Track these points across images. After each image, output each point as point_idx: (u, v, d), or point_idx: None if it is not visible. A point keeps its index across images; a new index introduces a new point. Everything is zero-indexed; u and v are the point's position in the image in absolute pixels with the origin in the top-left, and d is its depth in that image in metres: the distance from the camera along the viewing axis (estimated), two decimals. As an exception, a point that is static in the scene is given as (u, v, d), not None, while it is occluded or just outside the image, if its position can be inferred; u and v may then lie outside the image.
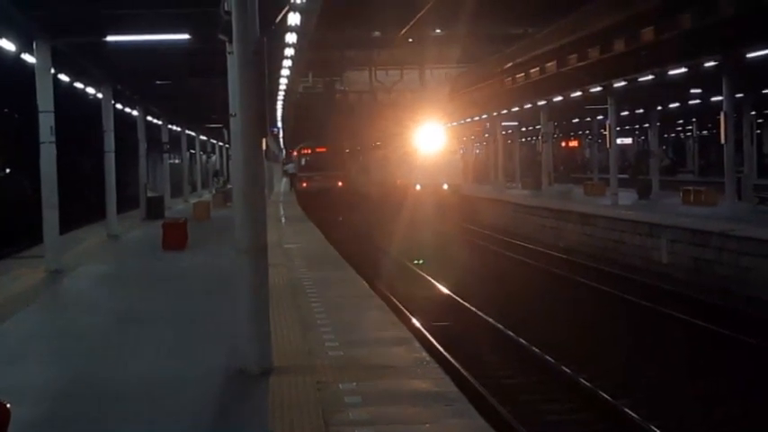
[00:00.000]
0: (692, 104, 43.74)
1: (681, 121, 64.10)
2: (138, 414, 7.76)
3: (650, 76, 27.70)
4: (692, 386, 11.68)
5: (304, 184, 49.62)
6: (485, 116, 45.89)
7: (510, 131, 54.35)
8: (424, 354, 9.59)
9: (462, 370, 11.77)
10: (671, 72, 26.64)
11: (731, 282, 18.53)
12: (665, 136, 69.63)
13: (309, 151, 51.30)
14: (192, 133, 50.69)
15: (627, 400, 10.77)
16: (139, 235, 26.11)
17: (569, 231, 28.22)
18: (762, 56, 23.32)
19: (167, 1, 15.95)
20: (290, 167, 61.45)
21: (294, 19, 17.97)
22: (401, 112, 44.52)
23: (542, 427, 10.18)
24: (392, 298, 17.11)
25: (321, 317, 11.71)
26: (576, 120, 57.61)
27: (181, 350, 10.25)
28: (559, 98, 35.83)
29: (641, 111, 47.48)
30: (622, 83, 29.15)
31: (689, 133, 67.79)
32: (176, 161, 53.62)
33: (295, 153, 58.11)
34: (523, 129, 54.94)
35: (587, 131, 64.48)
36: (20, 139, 32.47)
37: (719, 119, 26.03)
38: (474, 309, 16.49)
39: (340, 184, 48.97)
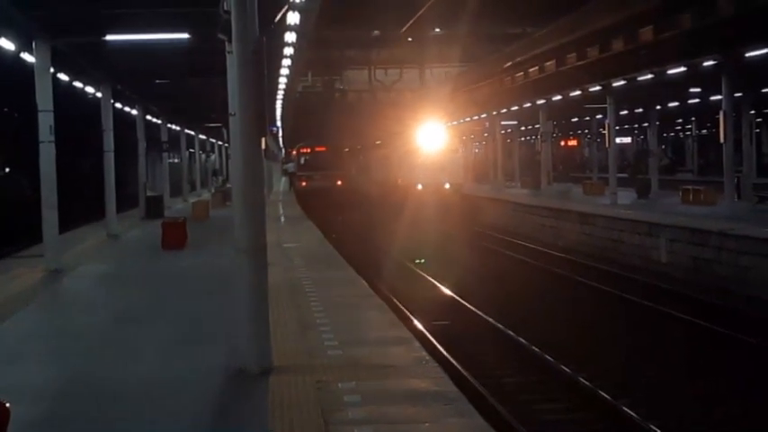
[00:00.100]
0: (692, 104, 43.77)
1: (680, 121, 64.11)
2: (137, 414, 7.76)
3: (650, 76, 27.70)
4: (691, 386, 11.68)
5: (303, 184, 49.62)
6: (485, 115, 45.85)
7: (509, 131, 54.37)
8: (424, 353, 9.59)
9: (462, 369, 11.77)
10: (670, 71, 26.64)
11: (730, 281, 18.54)
12: (665, 135, 69.62)
13: (309, 150, 51.31)
14: (192, 132, 50.68)
15: (626, 399, 10.76)
16: (139, 234, 26.10)
17: (568, 231, 28.23)
18: (761, 55, 23.33)
19: (166, 0, 15.94)
20: (290, 167, 61.45)
21: (293, 18, 17.97)
22: (402, 111, 44.42)
23: (541, 426, 10.17)
24: (392, 298, 17.10)
25: (320, 316, 11.71)
26: (576, 119, 57.62)
27: (180, 350, 10.25)
28: (558, 97, 35.83)
29: (640, 110, 47.50)
30: (622, 82, 29.16)
31: (688, 132, 67.82)
32: (175, 160, 53.62)
33: (294, 152, 58.11)
34: (522, 128, 54.92)
35: (586, 131, 64.49)
36: (19, 138, 32.46)
37: (719, 118, 26.04)
38: (473, 308, 16.49)
39: (339, 183, 48.97)
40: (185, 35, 17.21)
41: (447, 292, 18.70)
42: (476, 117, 47.92)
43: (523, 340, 13.74)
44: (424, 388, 8.11)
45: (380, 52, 47.45)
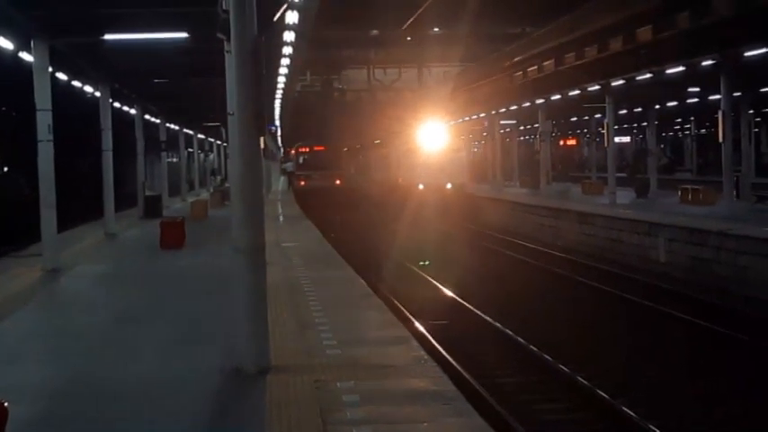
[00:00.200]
0: (690, 103, 43.78)
1: (679, 120, 64.13)
2: (136, 413, 7.75)
3: (648, 75, 27.71)
4: (690, 385, 11.67)
5: (302, 183, 49.65)
6: (489, 113, 45.78)
7: (508, 130, 54.35)
8: (423, 353, 9.58)
9: (461, 369, 11.76)
10: (669, 71, 26.64)
11: (729, 281, 18.53)
12: (663, 135, 69.63)
13: (307, 150, 51.35)
14: (190, 132, 50.66)
15: (626, 399, 10.75)
16: (137, 234, 26.09)
17: (567, 230, 28.23)
18: (760, 55, 23.33)
19: (165, 0, 15.93)
20: (289, 166, 61.51)
21: (292, 17, 17.95)
22: (403, 110, 44.27)
23: (540, 426, 10.17)
24: (391, 298, 17.09)
25: (319, 316, 11.71)
26: (575, 118, 57.63)
27: (179, 349, 10.24)
28: (557, 97, 35.82)
29: (639, 109, 47.50)
30: (620, 81, 29.16)
31: (687, 132, 67.83)
32: (174, 160, 53.60)
33: (293, 152, 58.14)
34: (521, 127, 54.92)
35: (585, 130, 64.49)
36: (17, 137, 32.44)
37: (717, 118, 26.05)
38: (473, 308, 16.48)
39: (338, 182, 49.02)
40: (184, 34, 17.21)
41: (446, 291, 18.68)
42: (474, 117, 47.88)
43: (522, 340, 13.73)
44: (423, 387, 8.11)
45: (379, 52, 47.42)
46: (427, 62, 48.37)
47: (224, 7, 8.97)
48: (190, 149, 54.61)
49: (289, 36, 20.33)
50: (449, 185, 36.67)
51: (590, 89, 32.11)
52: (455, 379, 9.30)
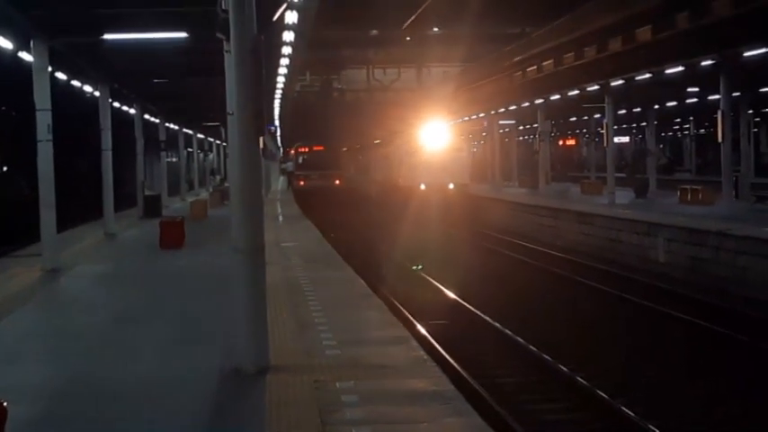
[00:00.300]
0: (690, 103, 43.79)
1: (678, 120, 64.15)
2: (136, 413, 7.75)
3: (647, 75, 27.73)
4: (689, 385, 11.67)
5: (301, 183, 49.68)
6: (488, 113, 45.78)
7: (507, 130, 54.35)
8: (422, 353, 9.58)
9: (460, 369, 11.76)
10: (668, 71, 26.66)
11: (729, 281, 18.53)
12: (663, 135, 69.66)
13: (307, 150, 51.38)
14: (190, 132, 50.66)
15: (625, 398, 10.75)
16: (136, 234, 26.08)
17: (567, 230, 28.24)
18: (759, 55, 23.35)
19: (165, 0, 15.94)
20: (289, 166, 61.55)
21: (291, 17, 17.97)
22: (404, 110, 44.10)
23: (540, 426, 10.17)
24: (390, 298, 17.08)
25: (318, 316, 11.71)
26: (574, 118, 57.65)
27: (178, 349, 10.24)
28: (556, 97, 35.83)
29: (638, 109, 47.52)
30: (620, 81, 29.17)
31: (686, 132, 67.85)
32: (173, 160, 53.60)
33: (292, 152, 58.17)
34: (521, 127, 54.93)
35: (584, 130, 64.51)
36: (17, 137, 32.43)
37: (717, 118, 26.07)
38: (473, 308, 16.49)
39: (337, 182, 49.05)
40: (183, 34, 17.20)
41: (445, 292, 18.66)
42: (474, 117, 47.89)
43: (521, 340, 13.73)
44: (422, 388, 8.11)
45: (378, 52, 47.42)
46: (427, 62, 48.37)
47: (223, 7, 8.96)
48: (189, 149, 54.61)
49: (288, 36, 20.34)
50: (451, 186, 36.28)
51: (589, 89, 32.12)
52: (454, 379, 9.29)
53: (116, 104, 31.71)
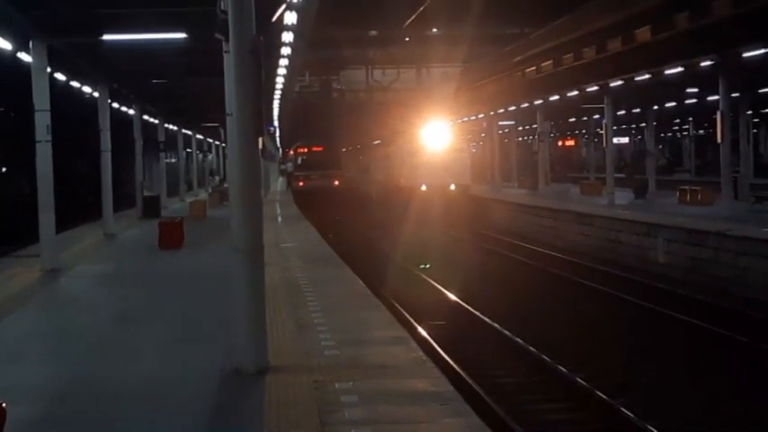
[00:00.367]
0: (689, 104, 43.79)
1: (677, 121, 64.16)
2: (137, 413, 7.75)
3: (647, 76, 27.73)
4: (689, 386, 11.68)
5: (300, 183, 49.65)
6: (488, 114, 45.75)
7: (506, 131, 54.36)
8: (421, 353, 9.58)
9: (459, 369, 11.76)
10: (668, 71, 26.66)
11: (729, 282, 18.53)
12: (662, 135, 69.67)
13: (306, 150, 51.34)
14: (189, 132, 50.66)
15: (624, 399, 10.74)
16: (136, 234, 26.08)
17: (566, 231, 28.24)
18: (758, 55, 23.34)
19: (164, 0, 15.93)
20: (288, 166, 61.54)
21: (291, 18, 17.95)
22: (405, 110, 43.94)
23: (540, 426, 10.16)
24: (390, 298, 17.08)
25: (317, 316, 11.71)
26: (573, 119, 57.65)
27: (178, 349, 10.24)
28: (556, 97, 35.84)
29: (638, 110, 47.53)
30: (619, 82, 29.18)
31: (685, 133, 67.84)
32: (173, 160, 53.59)
33: (291, 152, 58.16)
34: (520, 128, 54.94)
35: (584, 131, 64.51)
36: (16, 137, 32.41)
37: (716, 118, 26.07)
38: (472, 309, 16.48)
39: (336, 183, 49.01)
40: (183, 35, 17.19)
41: (444, 292, 18.65)
42: (473, 117, 47.88)
43: (521, 341, 13.73)
44: (422, 388, 8.10)
45: (378, 52, 47.42)
46: (426, 63, 48.37)
47: (222, 7, 8.97)
48: (188, 150, 54.60)
49: (287, 36, 20.33)
50: (452, 186, 35.99)
51: (588, 90, 32.12)
52: (453, 379, 9.29)
53: (115, 105, 31.70)
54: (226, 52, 8.93)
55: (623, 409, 10.18)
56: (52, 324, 12.54)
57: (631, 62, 25.74)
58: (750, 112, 40.29)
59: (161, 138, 39.08)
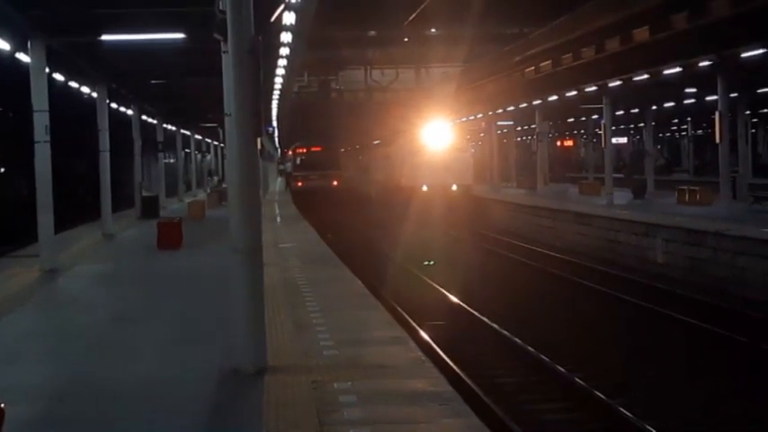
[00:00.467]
0: (687, 104, 43.81)
1: (676, 121, 64.20)
2: (136, 413, 7.75)
3: (645, 76, 27.75)
4: (688, 386, 11.68)
5: (299, 184, 49.67)
6: (486, 114, 45.71)
7: (505, 131, 54.35)
8: (420, 353, 9.58)
9: (458, 370, 11.76)
10: (666, 72, 26.67)
11: (728, 282, 18.54)
12: (660, 135, 69.71)
13: (304, 150, 51.35)
14: (188, 132, 50.65)
15: (623, 399, 10.75)
16: (134, 234, 26.07)
17: (565, 231, 28.25)
18: (757, 55, 23.35)
19: (162, 0, 15.93)
20: (287, 167, 61.55)
21: (289, 18, 17.95)
22: (406, 109, 43.78)
23: (538, 426, 10.17)
24: (389, 299, 17.08)
25: (316, 316, 11.71)
26: (572, 119, 57.67)
27: (176, 349, 10.24)
28: (555, 97, 35.84)
29: (636, 110, 47.57)
30: (618, 82, 29.19)
31: (684, 133, 67.87)
32: (171, 161, 53.58)
33: (290, 152, 58.17)
34: (519, 128, 54.95)
35: (582, 131, 64.53)
36: (15, 138, 32.41)
37: (714, 118, 26.09)
38: (470, 309, 16.49)
39: (335, 183, 49.02)
40: (181, 35, 17.19)
41: (443, 292, 18.66)
42: (472, 117, 47.88)
43: (519, 341, 13.73)
44: (420, 388, 8.10)
45: (376, 52, 47.42)
46: (425, 63, 48.36)
47: (221, 8, 8.95)
48: (187, 150, 54.58)
49: (286, 37, 20.33)
50: (454, 187, 35.69)
51: (587, 90, 32.13)
52: (452, 379, 9.29)
53: (114, 105, 31.70)
54: (224, 52, 8.91)
55: (622, 409, 10.18)
56: (51, 324, 12.53)
57: (630, 62, 25.75)
58: (748, 112, 40.35)
59: (160, 138, 39.07)
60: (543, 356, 12.68)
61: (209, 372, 8.94)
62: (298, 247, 21.26)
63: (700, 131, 62.10)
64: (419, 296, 18.33)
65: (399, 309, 16.07)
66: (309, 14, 20.47)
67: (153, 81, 27.40)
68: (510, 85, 35.67)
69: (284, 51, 22.92)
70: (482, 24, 37.42)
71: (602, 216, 25.90)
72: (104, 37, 17.64)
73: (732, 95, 30.62)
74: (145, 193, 33.08)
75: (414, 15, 33.97)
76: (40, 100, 16.93)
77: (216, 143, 63.71)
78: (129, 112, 33.19)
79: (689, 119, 58.66)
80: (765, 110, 53.48)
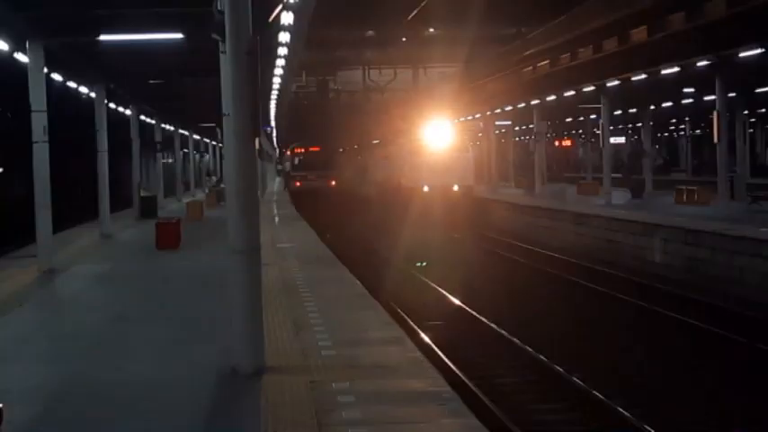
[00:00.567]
0: (685, 104, 43.87)
1: (674, 121, 64.28)
2: (132, 413, 7.76)
3: (643, 76, 27.79)
4: (686, 386, 11.70)
5: (297, 184, 49.71)
6: (485, 114, 45.72)
7: (504, 131, 54.37)
8: (418, 353, 9.59)
9: (456, 370, 11.78)
10: (664, 72, 26.71)
11: (725, 282, 18.55)
12: (659, 135, 69.80)
13: (302, 150, 51.40)
14: (186, 133, 50.66)
15: (620, 398, 10.76)
16: (133, 234, 26.08)
17: (563, 231, 28.27)
18: (754, 55, 23.40)
19: (161, 0, 15.94)
20: (285, 166, 61.59)
21: (287, 18, 17.97)
22: (407, 109, 43.65)
23: (535, 425, 10.18)
24: (388, 300, 17.08)
25: (314, 316, 11.72)
26: (570, 119, 57.72)
27: (174, 350, 10.25)
28: (552, 97, 35.88)
29: (634, 110, 47.64)
30: (616, 82, 29.23)
31: (682, 133, 67.98)
32: (170, 161, 53.59)
33: (288, 152, 58.22)
34: (517, 128, 54.97)
35: (581, 131, 64.59)
36: (13, 138, 32.38)
37: (712, 118, 26.13)
38: (469, 309, 16.51)
39: (333, 183, 49.06)
40: (179, 35, 17.20)
41: (441, 291, 18.66)
42: (470, 117, 47.90)
43: (518, 341, 13.74)
44: (419, 388, 8.11)
45: (374, 52, 47.39)
46: (423, 63, 48.35)
47: (219, 8, 8.95)
48: (185, 150, 54.59)
49: (284, 37, 20.34)
50: (456, 187, 35.51)
51: (585, 90, 32.17)
52: (450, 380, 9.30)
53: (112, 105, 31.69)
54: (222, 53, 8.92)
55: (620, 409, 10.20)
56: (49, 324, 12.53)
57: (628, 62, 25.80)
58: (746, 112, 40.40)
59: (158, 138, 39.07)
60: (541, 356, 12.69)
61: (207, 372, 8.94)
62: (296, 247, 21.26)
63: (698, 131, 62.21)
64: (418, 297, 18.32)
65: (397, 308, 16.07)
66: (307, 15, 20.49)
67: (151, 81, 27.40)
68: (508, 85, 35.70)
69: (282, 51, 22.93)
70: (480, 24, 37.42)
71: (601, 216, 25.92)
72: (102, 37, 17.65)
73: (730, 95, 30.65)
74: (143, 194, 33.09)
75: (415, 12, 33.88)
76: (38, 100, 16.94)
77: (214, 143, 63.72)
78: (128, 112, 33.18)
79: (687, 119, 58.76)
80: (763, 110, 53.55)
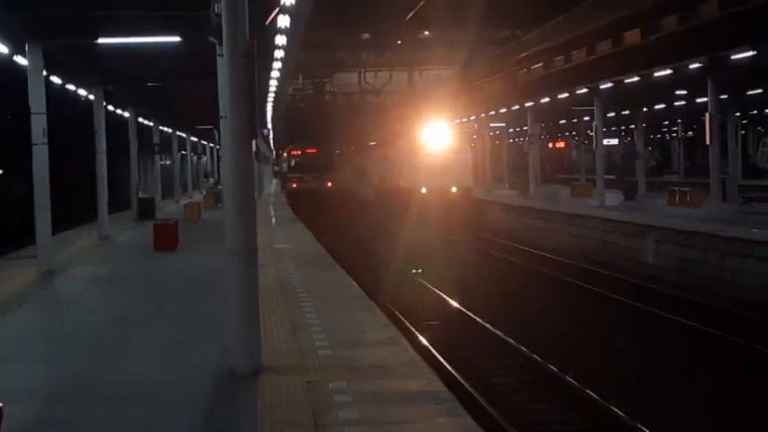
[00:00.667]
0: (678, 106, 44.00)
1: (667, 123, 64.37)
2: (132, 413, 7.85)
3: (636, 78, 27.93)
4: (682, 385, 11.82)
5: (294, 185, 49.77)
6: (479, 116, 45.77)
7: (498, 132, 54.46)
8: (415, 354, 9.68)
9: (452, 370, 11.88)
10: (657, 74, 26.83)
11: (717, 282, 18.68)
12: (651, 137, 69.87)
13: (299, 152, 51.47)
14: (183, 135, 50.70)
15: (615, 398, 10.86)
16: (131, 236, 26.15)
17: (557, 232, 28.38)
18: (746, 58, 23.52)
19: (158, 4, 16.04)
20: (283, 167, 61.56)
21: (284, 21, 18.06)
22: (404, 111, 43.60)
23: (531, 425, 10.28)
24: (385, 301, 17.17)
25: (311, 317, 11.80)
26: (563, 121, 57.82)
27: (172, 350, 10.33)
28: (546, 99, 35.99)
29: (627, 112, 47.75)
30: (609, 84, 29.36)
31: (674, 134, 68.06)
32: (167, 162, 53.61)
33: (285, 154, 58.25)
34: (511, 130, 55.03)
35: (574, 132, 64.68)
36: (12, 140, 32.42)
37: (704, 120, 26.27)
38: (465, 309, 16.60)
39: (329, 184, 49.12)
40: (177, 38, 17.30)
41: (438, 293, 18.74)
42: (465, 120, 47.96)
43: (513, 341, 13.84)
44: (415, 388, 8.18)
45: (371, 55, 47.46)
46: (419, 65, 48.41)
47: (216, 11, 9.06)
48: (183, 152, 54.61)
49: (281, 40, 20.43)
50: (454, 189, 35.48)
51: (578, 92, 32.29)
52: (447, 380, 9.40)
53: (110, 108, 31.75)
54: (219, 55, 9.03)
55: (614, 408, 10.31)
56: (48, 325, 12.61)
57: (621, 64, 25.92)
58: (738, 114, 40.54)
59: (156, 140, 39.12)
60: (536, 356, 12.80)
61: (204, 372, 9.01)
62: (293, 248, 21.34)
63: (690, 133, 62.32)
64: (416, 297, 18.35)
65: (394, 309, 16.16)
66: (304, 18, 20.56)
67: (149, 84, 27.47)
68: (502, 87, 35.78)
69: (279, 54, 23.01)
70: (475, 27, 37.50)
71: (594, 217, 26.04)
72: (101, 40, 17.74)
73: (722, 97, 30.81)
74: (141, 195, 33.16)
75: (413, 12, 33.93)
76: (37, 102, 17.03)
77: (212, 145, 63.70)
78: (126, 114, 33.25)
79: (679, 121, 58.87)
80: (755, 112, 53.71)
